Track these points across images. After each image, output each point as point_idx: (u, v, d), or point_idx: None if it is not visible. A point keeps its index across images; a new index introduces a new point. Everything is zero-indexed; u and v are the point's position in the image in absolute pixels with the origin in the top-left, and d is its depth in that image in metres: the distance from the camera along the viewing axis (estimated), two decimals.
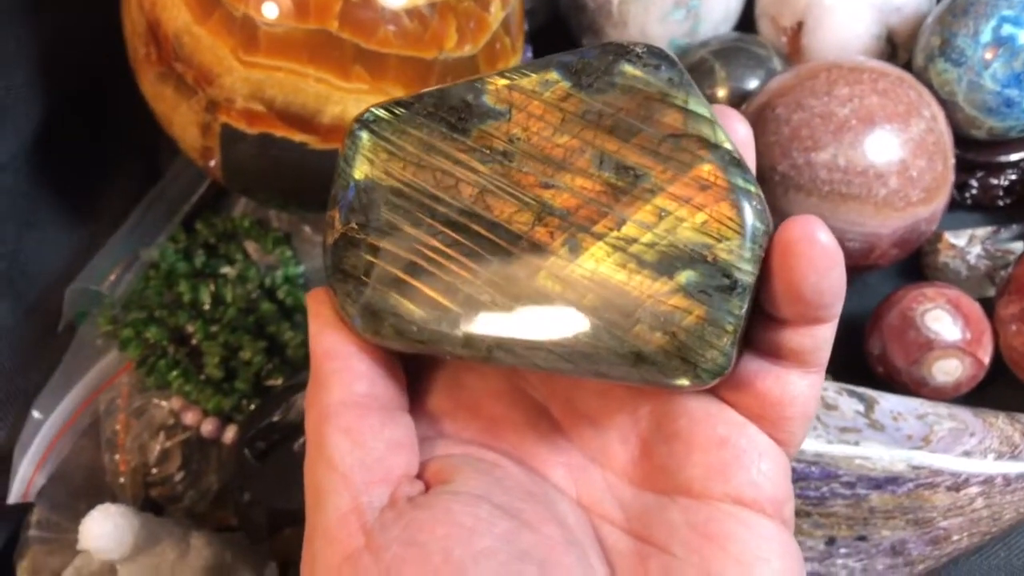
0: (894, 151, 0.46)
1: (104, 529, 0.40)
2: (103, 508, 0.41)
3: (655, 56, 0.24)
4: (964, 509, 0.43)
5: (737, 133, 0.25)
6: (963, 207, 0.55)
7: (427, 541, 0.22)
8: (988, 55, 0.48)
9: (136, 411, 0.51)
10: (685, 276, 0.22)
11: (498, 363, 0.24)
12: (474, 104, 0.25)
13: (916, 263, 0.54)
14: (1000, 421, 0.45)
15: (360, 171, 0.25)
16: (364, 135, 0.25)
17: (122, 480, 0.50)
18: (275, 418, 0.46)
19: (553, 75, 0.24)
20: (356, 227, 0.25)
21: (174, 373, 0.52)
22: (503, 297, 0.23)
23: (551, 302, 0.23)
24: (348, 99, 0.43)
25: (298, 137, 0.44)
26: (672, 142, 0.23)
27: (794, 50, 0.57)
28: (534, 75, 0.24)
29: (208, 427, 0.51)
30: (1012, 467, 0.43)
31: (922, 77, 0.51)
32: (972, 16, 0.48)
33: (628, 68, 0.24)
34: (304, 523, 0.44)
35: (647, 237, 0.23)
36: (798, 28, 0.57)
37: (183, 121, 0.46)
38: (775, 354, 0.24)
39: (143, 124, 0.51)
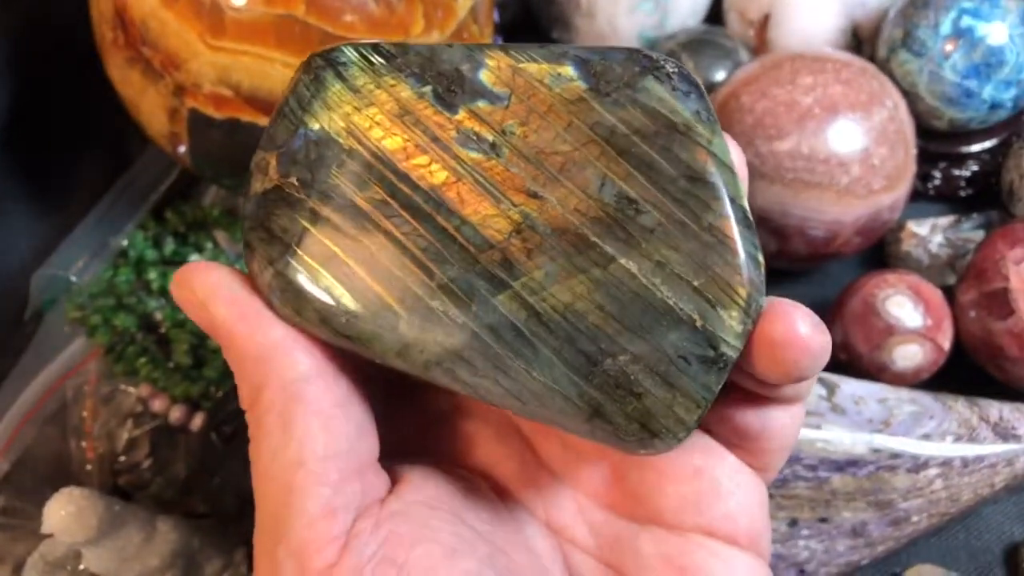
0: (856, 140, 0.47)
1: (67, 511, 0.40)
2: (66, 491, 0.40)
3: (685, 81, 0.21)
4: (923, 491, 0.44)
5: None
6: (926, 197, 0.56)
7: (407, 561, 0.20)
8: (948, 47, 0.49)
9: (103, 398, 0.51)
10: (668, 337, 0.20)
11: (434, 381, 0.20)
12: (469, 77, 0.21)
13: (880, 252, 0.55)
14: (959, 405, 0.45)
15: (316, 119, 0.21)
16: (329, 77, 0.21)
17: (89, 467, 0.50)
18: None
19: (568, 70, 0.21)
20: (297, 183, 0.20)
21: (142, 360, 0.51)
22: (456, 310, 0.20)
23: (509, 331, 0.20)
24: None
25: (265, 122, 0.45)
26: (686, 184, 0.20)
27: (761, 43, 0.58)
28: (545, 64, 0.21)
29: (176, 414, 0.51)
30: (970, 449, 0.44)
31: (884, 68, 0.52)
32: (932, 8, 0.49)
33: (655, 87, 0.21)
34: None
35: (636, 283, 0.20)
36: (764, 21, 0.58)
37: (151, 106, 0.46)
38: (755, 396, 0.23)
39: (112, 111, 0.51)
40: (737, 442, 0.24)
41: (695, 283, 0.20)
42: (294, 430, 0.20)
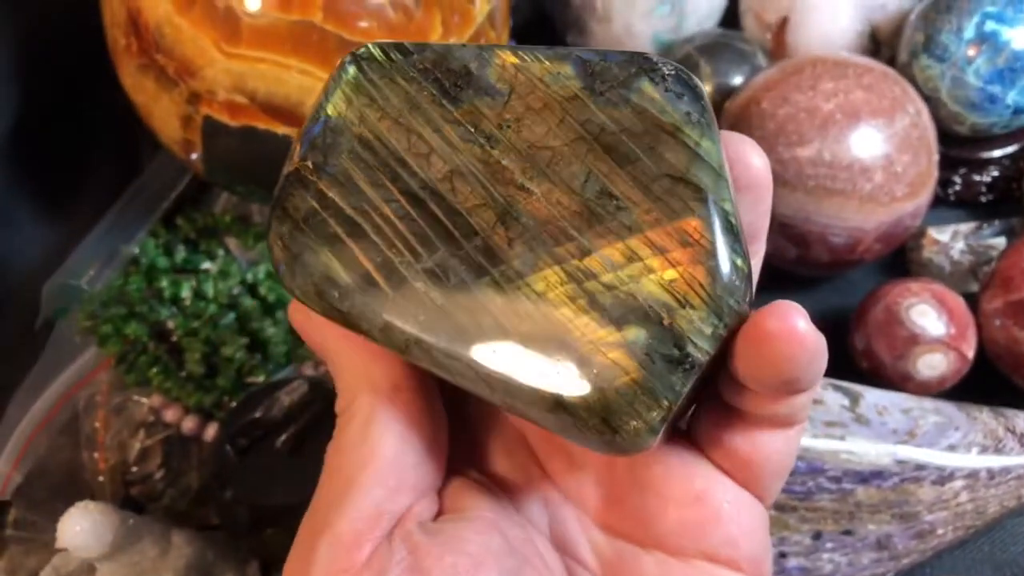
0: (879, 146, 0.46)
1: (83, 527, 0.39)
2: (82, 505, 0.40)
3: (681, 83, 0.21)
4: (949, 503, 0.43)
5: (751, 165, 0.22)
6: (946, 203, 0.55)
7: (431, 568, 0.21)
8: (971, 51, 0.48)
9: (115, 408, 0.51)
10: (634, 333, 0.20)
11: (415, 360, 0.21)
12: (475, 74, 0.22)
13: (901, 259, 0.54)
14: (984, 415, 0.45)
15: (334, 107, 0.22)
16: (351, 70, 0.23)
17: (101, 478, 0.50)
18: (257, 414, 0.46)
19: (567, 69, 0.22)
20: (311, 166, 0.22)
21: (154, 370, 0.51)
22: (437, 293, 0.21)
23: (485, 316, 0.21)
24: None
25: (281, 130, 0.44)
26: (668, 183, 0.21)
27: (778, 46, 0.58)
28: (547, 63, 0.22)
29: (189, 424, 0.51)
30: (996, 461, 0.43)
31: (906, 73, 0.51)
32: (956, 12, 0.49)
33: (648, 87, 0.21)
34: (288, 519, 0.44)
35: (608, 277, 0.21)
36: (782, 24, 0.57)
37: (164, 113, 0.46)
38: (749, 419, 0.23)
39: (124, 118, 0.50)
40: (731, 467, 0.23)
41: (666, 280, 0.20)
42: (371, 432, 0.22)
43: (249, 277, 0.55)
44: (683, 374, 0.20)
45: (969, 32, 0.48)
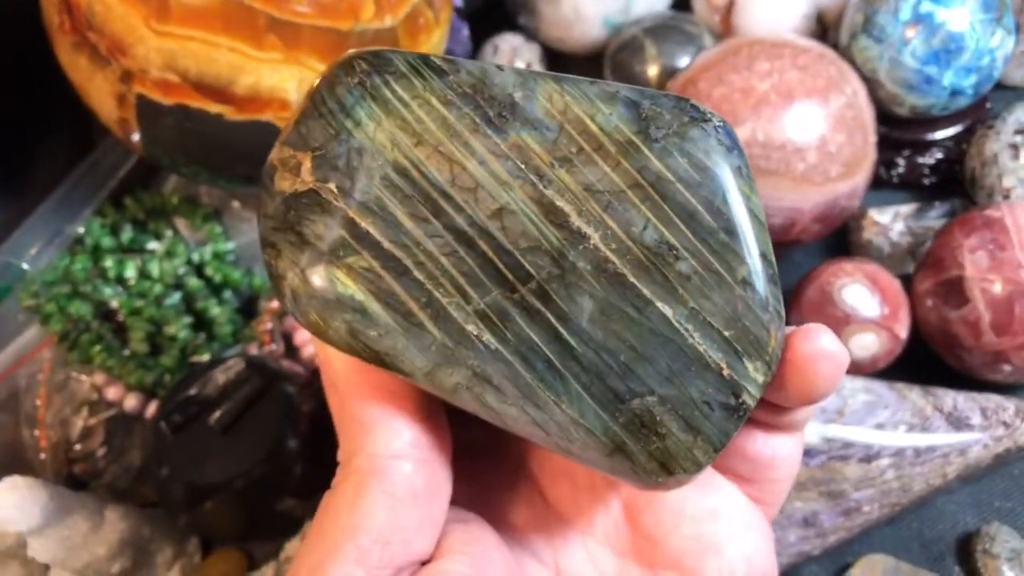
0: (813, 126, 0.46)
1: (9, 500, 0.39)
2: (9, 480, 0.40)
3: (728, 135, 0.21)
4: (875, 481, 0.43)
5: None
6: (891, 185, 0.55)
7: None
8: (908, 32, 0.48)
9: (57, 386, 0.51)
10: (695, 383, 0.21)
11: (459, 404, 0.21)
12: (521, 105, 0.21)
13: (843, 240, 0.54)
14: (914, 394, 0.45)
15: (360, 127, 0.21)
16: (378, 84, 0.21)
17: (43, 455, 0.50)
18: (192, 392, 0.46)
19: (619, 111, 0.21)
20: (335, 190, 0.20)
21: (97, 348, 0.51)
22: (491, 336, 0.20)
23: (541, 362, 0.21)
24: (262, 69, 0.43)
25: (214, 108, 0.44)
26: (726, 236, 0.21)
27: (726, 29, 0.58)
28: (598, 101, 0.21)
29: (131, 402, 0.51)
30: (922, 439, 0.44)
31: (846, 54, 0.51)
32: None
33: (702, 138, 0.21)
34: (223, 495, 0.43)
35: (668, 328, 0.21)
36: (729, 6, 0.57)
37: (99, 92, 0.46)
38: (765, 425, 0.23)
39: (75, 96, 0.50)
40: (748, 475, 0.24)
41: (725, 333, 0.21)
42: (362, 501, 0.21)
43: (195, 257, 0.56)
44: (736, 420, 0.21)
45: (905, 13, 0.48)
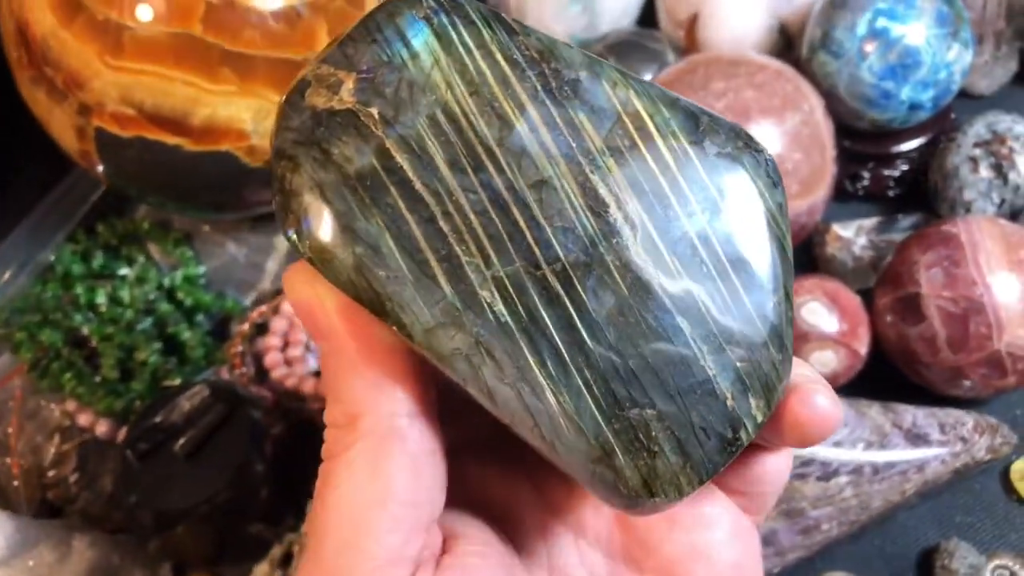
0: (769, 144, 0.46)
1: None
2: None
3: (776, 171, 0.21)
4: (833, 498, 0.44)
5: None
6: (856, 198, 0.55)
7: None
8: (867, 47, 0.48)
9: (29, 413, 0.51)
10: (698, 407, 0.20)
11: (450, 372, 0.19)
12: (585, 86, 0.20)
13: (808, 255, 0.54)
14: (873, 411, 0.45)
15: (417, 60, 0.20)
16: (444, 22, 0.20)
17: (16, 483, 0.51)
18: (158, 419, 0.47)
19: (679, 118, 0.21)
20: (376, 116, 0.19)
21: (67, 375, 0.52)
22: (503, 308, 0.19)
23: (547, 348, 0.20)
24: (217, 101, 0.44)
25: (171, 140, 0.45)
26: (756, 268, 0.21)
27: (691, 43, 0.58)
28: (660, 104, 0.21)
29: (102, 428, 0.51)
30: (881, 456, 0.44)
31: (807, 69, 0.51)
32: (850, 8, 0.49)
33: (753, 167, 0.21)
34: (190, 520, 0.44)
35: (683, 344, 0.20)
36: (693, 21, 0.57)
37: (59, 125, 0.47)
38: (757, 444, 0.23)
39: None
40: (737, 486, 0.24)
41: (738, 364, 0.20)
42: (384, 467, 0.20)
43: (167, 282, 0.56)
44: (728, 455, 0.20)
45: (862, 28, 0.48)
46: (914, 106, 0.49)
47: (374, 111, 0.19)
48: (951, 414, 0.45)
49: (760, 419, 0.20)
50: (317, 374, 0.54)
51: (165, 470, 0.46)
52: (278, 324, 0.54)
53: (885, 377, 0.48)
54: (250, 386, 0.52)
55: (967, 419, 0.45)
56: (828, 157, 0.48)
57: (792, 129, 0.47)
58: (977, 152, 0.49)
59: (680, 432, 0.20)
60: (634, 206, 0.20)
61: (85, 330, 0.54)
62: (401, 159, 0.19)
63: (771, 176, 0.21)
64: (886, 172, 0.54)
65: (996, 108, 0.51)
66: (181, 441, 0.46)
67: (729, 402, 0.20)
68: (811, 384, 0.21)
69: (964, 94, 0.57)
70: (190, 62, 0.43)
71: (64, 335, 0.53)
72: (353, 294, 0.19)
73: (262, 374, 0.54)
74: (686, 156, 0.21)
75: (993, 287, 0.42)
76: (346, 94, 0.19)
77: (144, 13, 0.42)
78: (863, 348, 0.47)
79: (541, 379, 0.19)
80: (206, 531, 0.47)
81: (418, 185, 0.19)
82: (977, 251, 0.43)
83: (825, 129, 0.48)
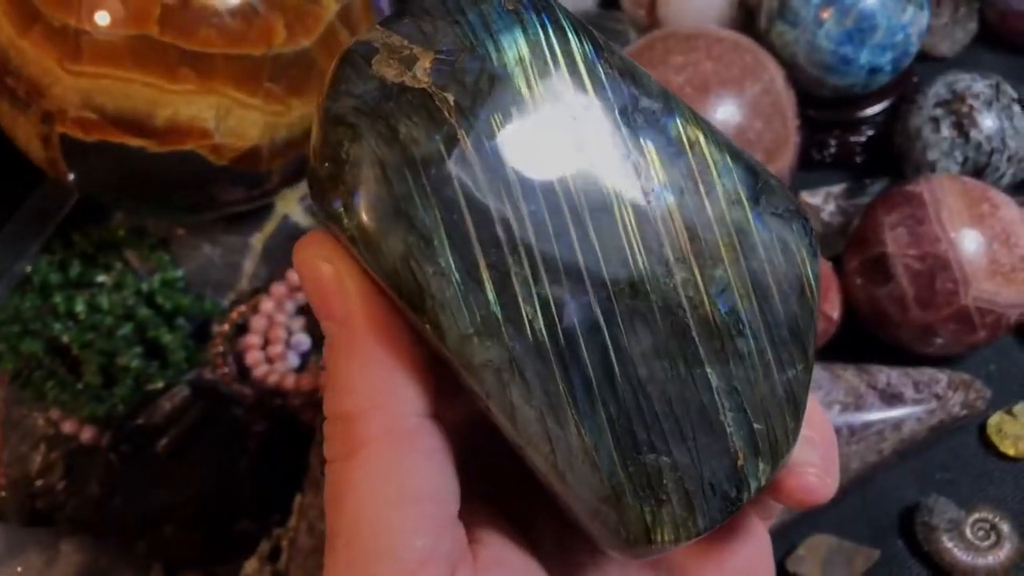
0: (730, 115, 0.47)
1: None
2: None
3: (817, 241, 0.22)
4: None
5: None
6: (824, 165, 0.56)
7: None
8: (823, 15, 0.49)
9: (13, 423, 0.52)
10: (710, 462, 0.20)
11: (476, 384, 0.19)
12: (660, 119, 0.20)
13: None
14: (848, 373, 0.45)
15: (502, 54, 0.19)
16: (536, 23, 0.19)
17: (3, 493, 0.51)
18: (140, 421, 0.47)
19: (740, 171, 0.21)
20: (452, 103, 0.18)
21: (49, 384, 0.52)
22: (543, 326, 0.19)
23: (578, 376, 0.19)
24: (178, 101, 0.44)
25: (135, 142, 0.45)
26: (788, 335, 0.21)
27: (652, 21, 0.58)
28: (726, 153, 0.21)
29: (87, 435, 0.52)
30: (856, 417, 0.44)
31: (766, 40, 0.52)
32: None
33: (801, 235, 0.21)
34: (177, 517, 0.44)
35: (708, 397, 0.20)
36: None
37: (24, 135, 0.47)
38: None
39: None
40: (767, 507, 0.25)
41: (755, 425, 0.20)
42: (401, 466, 0.19)
43: (145, 287, 0.56)
44: (727, 513, 0.20)
45: None
46: (874, 70, 0.49)
47: (450, 97, 0.18)
48: (925, 372, 0.45)
49: (763, 482, 0.21)
50: (298, 370, 0.55)
51: (149, 471, 0.46)
52: (257, 323, 0.55)
53: (859, 340, 0.48)
54: (233, 385, 0.52)
55: (941, 376, 0.45)
56: (791, 126, 0.49)
57: (752, 99, 0.47)
58: (938, 112, 0.49)
59: (690, 484, 0.20)
60: (685, 247, 0.20)
61: (65, 338, 0.54)
62: (470, 154, 0.18)
63: (813, 245, 0.21)
64: (852, 138, 0.55)
65: (958, 69, 0.51)
66: (163, 441, 0.46)
67: (740, 462, 0.20)
68: (803, 470, 0.22)
69: (926, 57, 0.57)
70: (149, 64, 0.43)
71: (45, 344, 0.53)
72: (393, 283, 0.18)
73: (244, 373, 0.55)
74: (742, 210, 0.21)
75: (957, 242, 0.42)
76: (421, 72, 0.18)
77: (101, 18, 0.42)
78: (835, 312, 0.47)
79: (567, 407, 0.19)
80: (191, 530, 0.47)
81: (483, 187, 0.18)
82: (940, 208, 0.43)
83: (786, 98, 0.49)
